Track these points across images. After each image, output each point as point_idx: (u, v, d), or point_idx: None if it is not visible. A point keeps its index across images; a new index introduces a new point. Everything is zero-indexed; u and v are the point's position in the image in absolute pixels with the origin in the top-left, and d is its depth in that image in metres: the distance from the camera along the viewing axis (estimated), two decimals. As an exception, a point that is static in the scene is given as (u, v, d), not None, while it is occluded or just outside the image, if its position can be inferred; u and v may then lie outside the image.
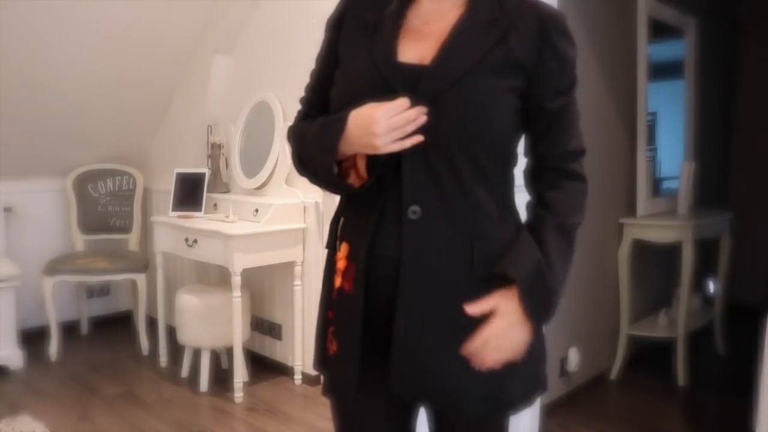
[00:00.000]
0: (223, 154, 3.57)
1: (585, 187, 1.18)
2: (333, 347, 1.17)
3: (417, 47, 1.11)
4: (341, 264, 1.16)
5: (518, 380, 1.14)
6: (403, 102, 1.04)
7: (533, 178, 1.19)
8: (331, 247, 1.23)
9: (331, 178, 1.12)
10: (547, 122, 1.13)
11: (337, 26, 1.20)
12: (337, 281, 1.17)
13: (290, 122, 3.70)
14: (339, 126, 1.08)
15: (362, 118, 1.05)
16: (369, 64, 1.11)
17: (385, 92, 1.06)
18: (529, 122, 1.14)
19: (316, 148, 1.13)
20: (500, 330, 1.07)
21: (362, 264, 1.11)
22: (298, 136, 1.22)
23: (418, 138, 1.04)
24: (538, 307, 1.09)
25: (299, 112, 1.29)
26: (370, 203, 1.12)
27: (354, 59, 1.14)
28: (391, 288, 1.10)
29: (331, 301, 1.20)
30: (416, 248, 1.09)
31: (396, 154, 1.06)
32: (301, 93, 1.30)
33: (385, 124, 1.03)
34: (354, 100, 1.08)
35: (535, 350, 1.15)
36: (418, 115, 1.04)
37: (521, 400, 1.16)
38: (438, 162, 1.07)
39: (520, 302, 1.07)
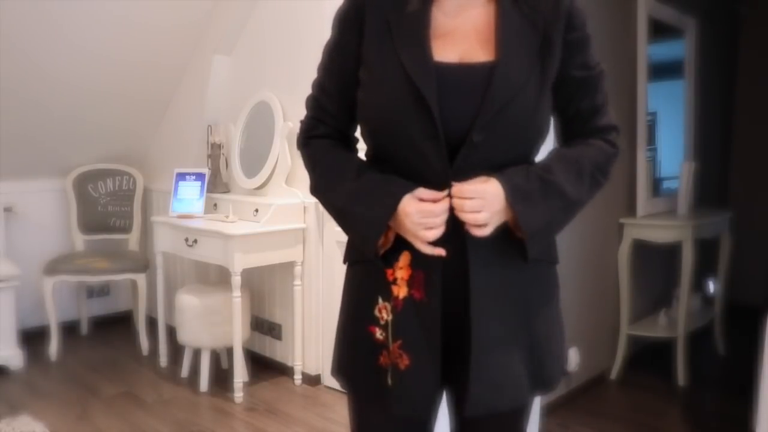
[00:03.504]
0: (223, 154, 3.57)
1: (615, 151, 1.18)
2: (404, 361, 1.10)
3: (452, 49, 1.09)
4: (404, 273, 1.11)
5: (554, 359, 1.18)
6: (442, 202, 1.05)
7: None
8: (374, 258, 1.14)
9: (366, 249, 1.10)
10: (574, 104, 1.17)
11: (354, 23, 1.13)
12: (400, 292, 1.11)
13: (290, 122, 3.66)
14: (390, 203, 1.07)
15: (416, 214, 1.05)
16: (422, 67, 1.06)
17: (450, 95, 1.05)
18: (558, 106, 1.17)
19: (358, 207, 1.11)
20: (486, 192, 1.04)
21: (436, 270, 1.08)
22: (325, 168, 1.18)
23: (441, 251, 1.06)
24: (519, 191, 1.06)
25: (310, 118, 1.22)
26: None
27: (395, 61, 1.07)
28: (453, 292, 1.10)
29: (372, 315, 1.14)
30: (481, 246, 1.08)
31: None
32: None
33: (429, 221, 1.05)
34: (402, 106, 1.05)
35: (561, 333, 1.21)
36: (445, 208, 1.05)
37: (557, 378, 1.20)
38: (495, 161, 1.08)
39: (501, 184, 1.06)
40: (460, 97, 1.05)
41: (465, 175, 1.05)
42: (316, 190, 1.20)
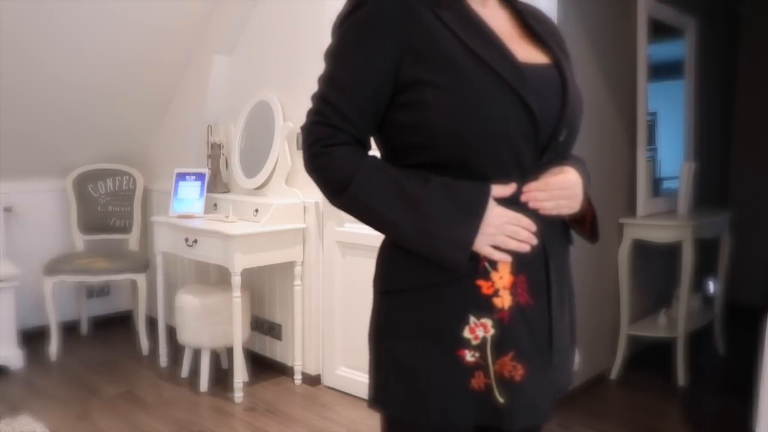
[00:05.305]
0: (223, 154, 3.57)
1: None
2: (519, 372, 1.04)
3: (515, 50, 1.08)
4: (505, 282, 1.04)
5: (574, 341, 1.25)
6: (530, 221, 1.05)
7: None
8: (470, 271, 1.05)
9: (457, 268, 1.02)
10: None
11: (395, 20, 1.03)
12: (504, 302, 1.04)
13: (291, 122, 3.65)
14: (473, 220, 1.01)
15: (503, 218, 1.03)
16: (511, 68, 1.02)
17: (537, 95, 1.03)
18: None
19: (432, 225, 1.01)
20: (568, 182, 1.08)
21: (538, 268, 1.06)
22: (371, 178, 1.04)
23: (507, 257, 1.05)
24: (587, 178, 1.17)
25: (325, 125, 1.07)
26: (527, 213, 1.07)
27: (476, 61, 1.01)
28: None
29: (460, 338, 1.04)
30: (551, 236, 1.10)
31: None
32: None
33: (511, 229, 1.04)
34: (501, 107, 1.01)
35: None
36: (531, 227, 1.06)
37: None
38: (562, 158, 1.12)
39: (576, 169, 1.12)
40: (545, 98, 1.05)
41: (542, 173, 1.08)
42: (357, 202, 1.07)
